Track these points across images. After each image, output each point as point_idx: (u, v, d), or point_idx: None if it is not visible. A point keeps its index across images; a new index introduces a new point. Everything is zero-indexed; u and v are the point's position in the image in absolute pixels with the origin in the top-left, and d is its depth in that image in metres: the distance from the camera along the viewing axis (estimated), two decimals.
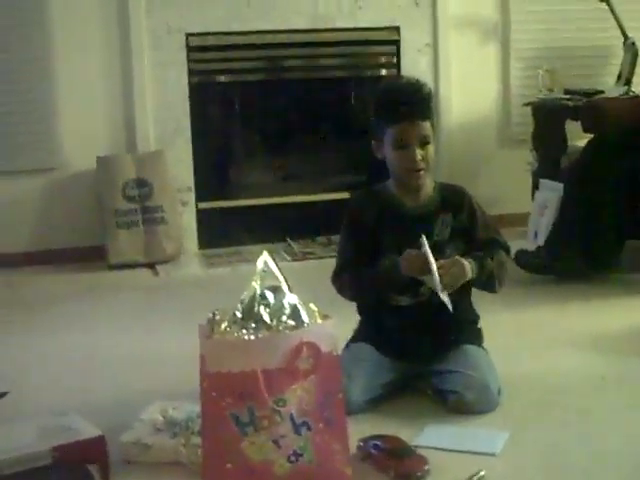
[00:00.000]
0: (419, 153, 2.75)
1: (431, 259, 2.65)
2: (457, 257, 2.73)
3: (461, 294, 2.80)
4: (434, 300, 2.72)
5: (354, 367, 2.70)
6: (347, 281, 2.84)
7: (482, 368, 2.76)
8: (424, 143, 2.77)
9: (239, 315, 2.23)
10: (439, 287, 2.65)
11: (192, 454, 2.40)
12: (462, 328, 2.87)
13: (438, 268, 2.65)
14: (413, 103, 2.78)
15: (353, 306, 2.92)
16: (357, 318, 2.94)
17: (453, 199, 2.88)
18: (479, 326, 2.95)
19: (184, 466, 2.41)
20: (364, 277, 2.80)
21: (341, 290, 2.86)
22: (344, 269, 2.86)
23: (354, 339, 2.91)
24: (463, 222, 2.86)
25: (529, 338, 3.40)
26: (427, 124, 2.78)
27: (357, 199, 3.04)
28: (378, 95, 2.95)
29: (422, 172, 2.79)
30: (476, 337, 2.91)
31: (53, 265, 4.75)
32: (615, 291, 3.93)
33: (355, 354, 2.80)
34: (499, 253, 2.86)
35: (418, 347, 2.81)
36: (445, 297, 2.66)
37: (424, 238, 2.67)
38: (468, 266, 2.72)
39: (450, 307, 2.66)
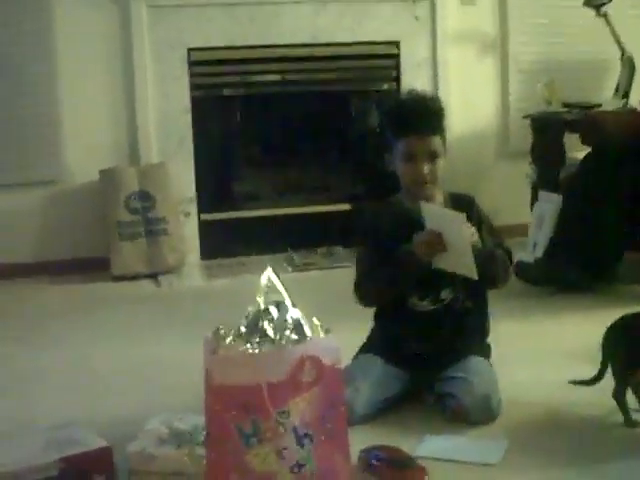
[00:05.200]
0: (426, 167, 2.79)
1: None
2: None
3: (477, 301, 2.87)
4: (452, 307, 2.80)
5: (361, 379, 2.75)
6: (367, 285, 2.86)
7: (484, 377, 2.79)
8: (433, 157, 2.81)
9: (244, 330, 2.27)
10: (466, 249, 2.66)
11: (196, 465, 2.43)
12: (474, 339, 2.92)
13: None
14: (421, 117, 2.81)
15: (358, 318, 2.93)
16: (362, 330, 2.96)
17: (463, 207, 2.90)
18: (488, 341, 2.99)
19: (188, 477, 2.42)
20: (382, 274, 2.81)
21: (363, 297, 2.88)
22: (364, 276, 2.87)
23: (363, 349, 2.94)
24: None
25: (527, 349, 3.43)
26: (436, 138, 2.82)
27: (371, 209, 3.13)
28: (388, 108, 3.02)
29: (428, 184, 2.83)
30: (484, 351, 2.95)
31: (56, 277, 4.78)
32: (613, 302, 3.92)
33: (363, 366, 2.84)
34: (501, 253, 2.89)
35: (428, 355, 2.84)
36: (470, 261, 2.66)
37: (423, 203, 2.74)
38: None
39: (475, 276, 2.67)
